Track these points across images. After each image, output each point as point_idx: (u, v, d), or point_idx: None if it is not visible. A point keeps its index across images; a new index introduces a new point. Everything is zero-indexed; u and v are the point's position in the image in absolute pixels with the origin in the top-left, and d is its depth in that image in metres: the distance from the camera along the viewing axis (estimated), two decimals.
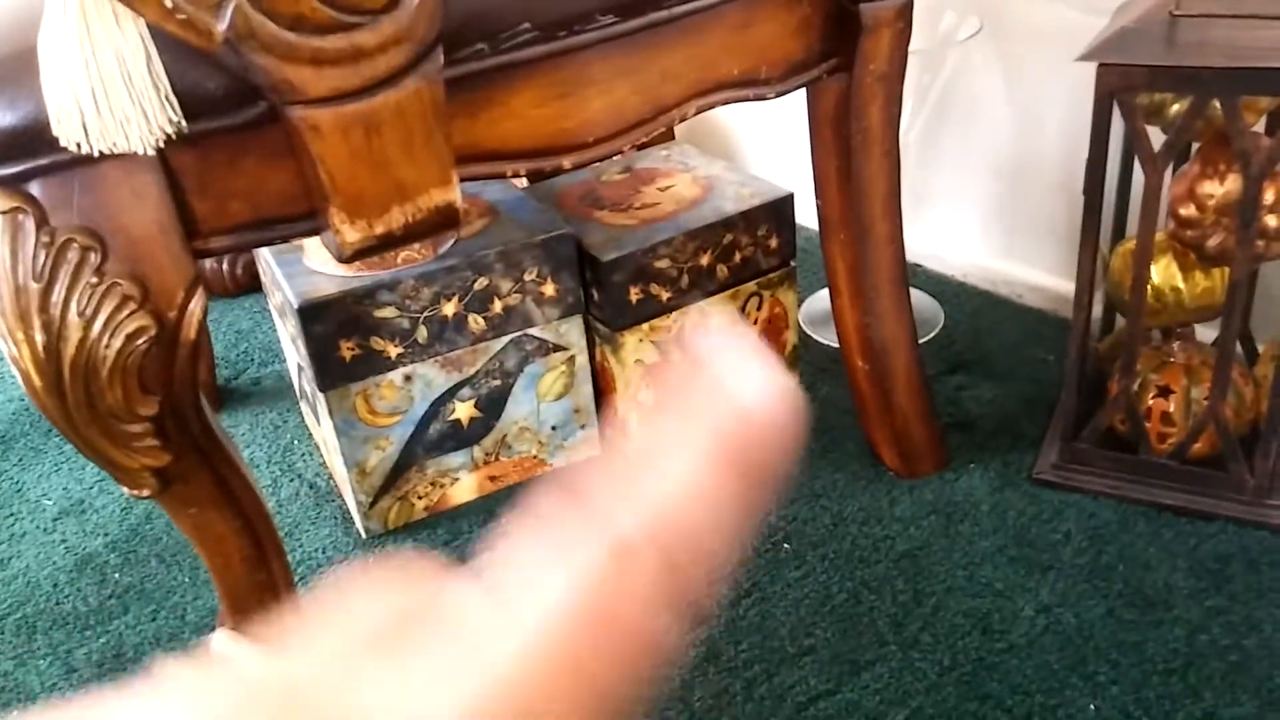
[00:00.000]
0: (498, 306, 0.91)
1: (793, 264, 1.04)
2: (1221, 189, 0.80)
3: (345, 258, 0.57)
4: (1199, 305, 0.86)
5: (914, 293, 1.18)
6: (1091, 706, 0.72)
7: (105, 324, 0.54)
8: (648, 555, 0.16)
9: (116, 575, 0.93)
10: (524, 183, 1.20)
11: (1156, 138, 0.78)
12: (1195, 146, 0.84)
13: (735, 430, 0.17)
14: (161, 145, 0.51)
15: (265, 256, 0.94)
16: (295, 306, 0.84)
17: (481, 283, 0.90)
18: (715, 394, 0.17)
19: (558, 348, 0.96)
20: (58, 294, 0.52)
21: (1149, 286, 0.85)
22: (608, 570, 0.16)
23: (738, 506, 0.17)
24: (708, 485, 0.17)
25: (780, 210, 1.00)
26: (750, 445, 0.17)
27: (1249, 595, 0.79)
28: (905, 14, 0.76)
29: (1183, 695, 0.72)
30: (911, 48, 0.81)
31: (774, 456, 0.17)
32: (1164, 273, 0.86)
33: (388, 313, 0.87)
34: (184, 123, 0.52)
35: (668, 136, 1.33)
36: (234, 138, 0.54)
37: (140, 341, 0.54)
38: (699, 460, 0.17)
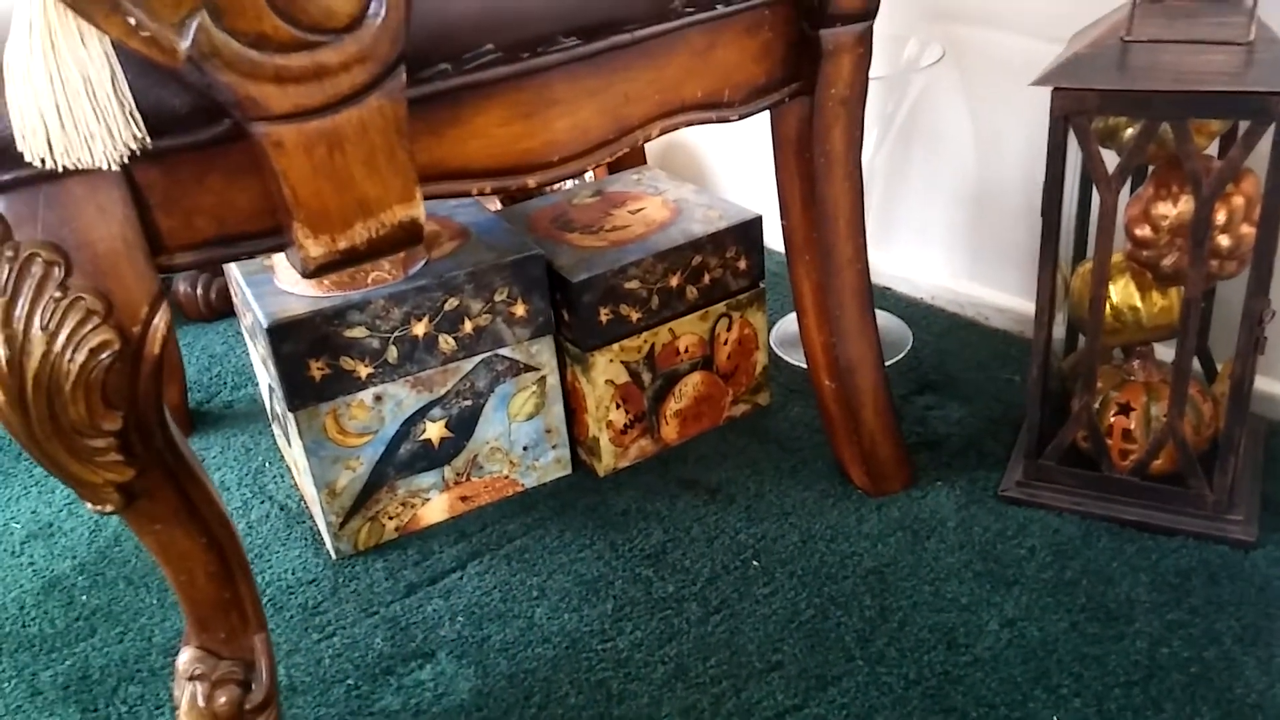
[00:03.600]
0: (468, 327, 0.92)
1: (762, 285, 1.05)
2: (1175, 210, 0.82)
3: (309, 273, 0.57)
4: (1157, 324, 0.88)
5: (883, 315, 1.20)
6: (1054, 718, 0.72)
7: (69, 338, 0.54)
8: None
9: (84, 598, 0.92)
10: (496, 205, 1.21)
11: (1112, 160, 0.80)
12: (1150, 169, 0.86)
13: None
14: (126, 161, 0.52)
15: (236, 277, 0.94)
16: (265, 326, 0.84)
17: (452, 303, 0.91)
18: None
19: (529, 368, 0.97)
20: (21, 308, 0.53)
21: (1108, 306, 0.87)
22: None
23: None
24: None
25: (748, 232, 1.02)
26: None
27: (1209, 609, 0.80)
28: (865, 39, 0.78)
29: (1144, 707, 0.73)
30: (875, 74, 0.83)
31: None
32: (1122, 292, 0.88)
33: (358, 332, 0.88)
34: (149, 139, 0.52)
35: (639, 160, 1.35)
36: (199, 154, 0.55)
37: (104, 356, 0.55)
38: None
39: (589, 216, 1.05)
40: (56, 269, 0.53)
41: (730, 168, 1.50)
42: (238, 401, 1.20)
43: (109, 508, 0.60)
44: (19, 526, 1.02)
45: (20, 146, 0.50)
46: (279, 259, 0.91)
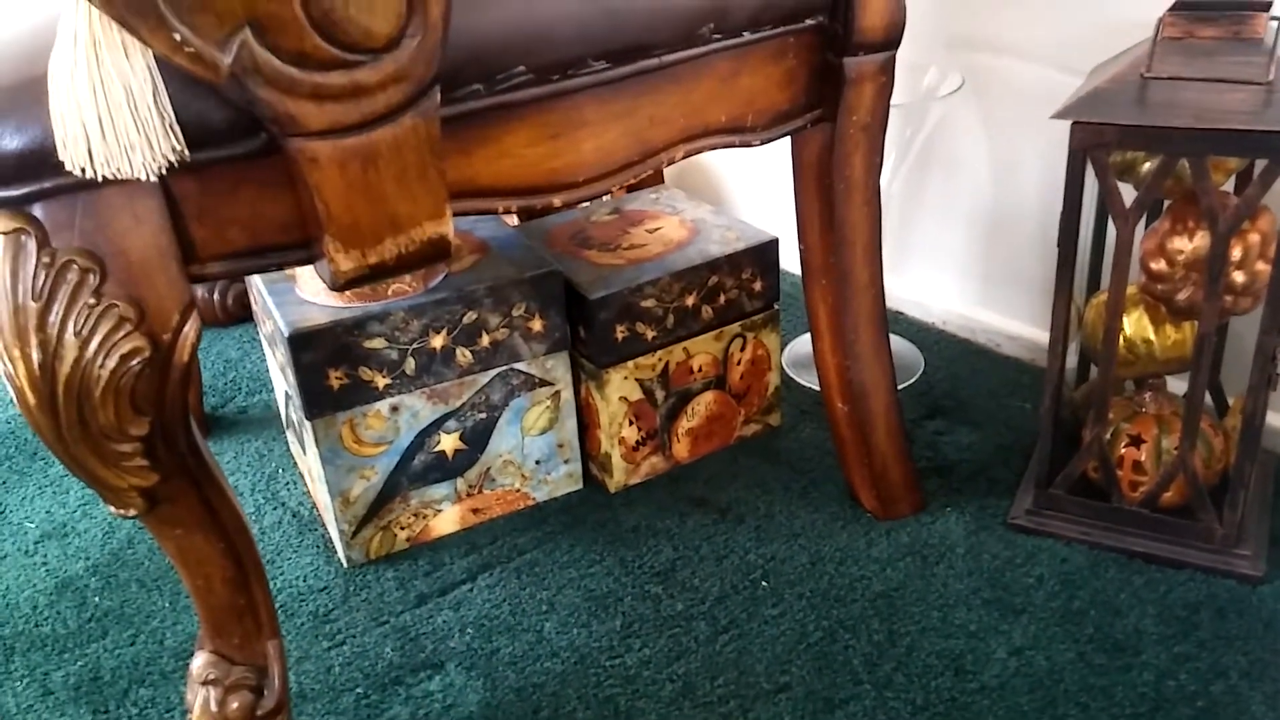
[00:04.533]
0: (485, 340, 0.93)
1: (776, 307, 1.06)
2: (1191, 245, 0.82)
3: (338, 286, 0.58)
4: (1170, 357, 0.88)
5: (895, 339, 1.20)
6: None
7: (101, 344, 0.55)
8: None
9: (96, 599, 0.93)
10: (515, 221, 1.22)
11: (1129, 194, 0.80)
12: (1166, 203, 0.87)
13: None
14: (164, 172, 0.53)
15: (257, 285, 0.95)
16: (286, 335, 0.85)
17: (470, 317, 0.91)
18: None
19: (543, 383, 0.98)
20: (55, 314, 0.54)
21: (1121, 337, 0.88)
22: None
23: None
24: None
25: (764, 254, 1.03)
26: None
27: (1216, 643, 0.80)
28: (888, 68, 0.79)
29: None
30: (895, 102, 0.84)
31: None
32: (1136, 325, 0.88)
33: (377, 343, 0.88)
34: (186, 151, 0.53)
35: (657, 180, 1.36)
36: (234, 167, 0.56)
37: (134, 362, 0.56)
38: None
39: (607, 234, 1.06)
40: (91, 276, 0.54)
41: (747, 189, 1.51)
42: (252, 407, 1.20)
43: (132, 512, 0.61)
44: (33, 526, 1.03)
45: (61, 155, 0.51)
46: (301, 268, 0.92)
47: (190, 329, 0.57)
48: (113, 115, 0.51)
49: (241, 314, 1.38)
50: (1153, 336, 0.88)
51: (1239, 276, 0.81)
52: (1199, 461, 0.87)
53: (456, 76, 0.59)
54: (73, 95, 0.51)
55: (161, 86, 0.52)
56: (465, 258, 0.97)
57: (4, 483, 1.10)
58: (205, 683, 0.70)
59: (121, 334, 0.55)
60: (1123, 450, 0.90)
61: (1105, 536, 0.90)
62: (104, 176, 0.52)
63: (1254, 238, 0.80)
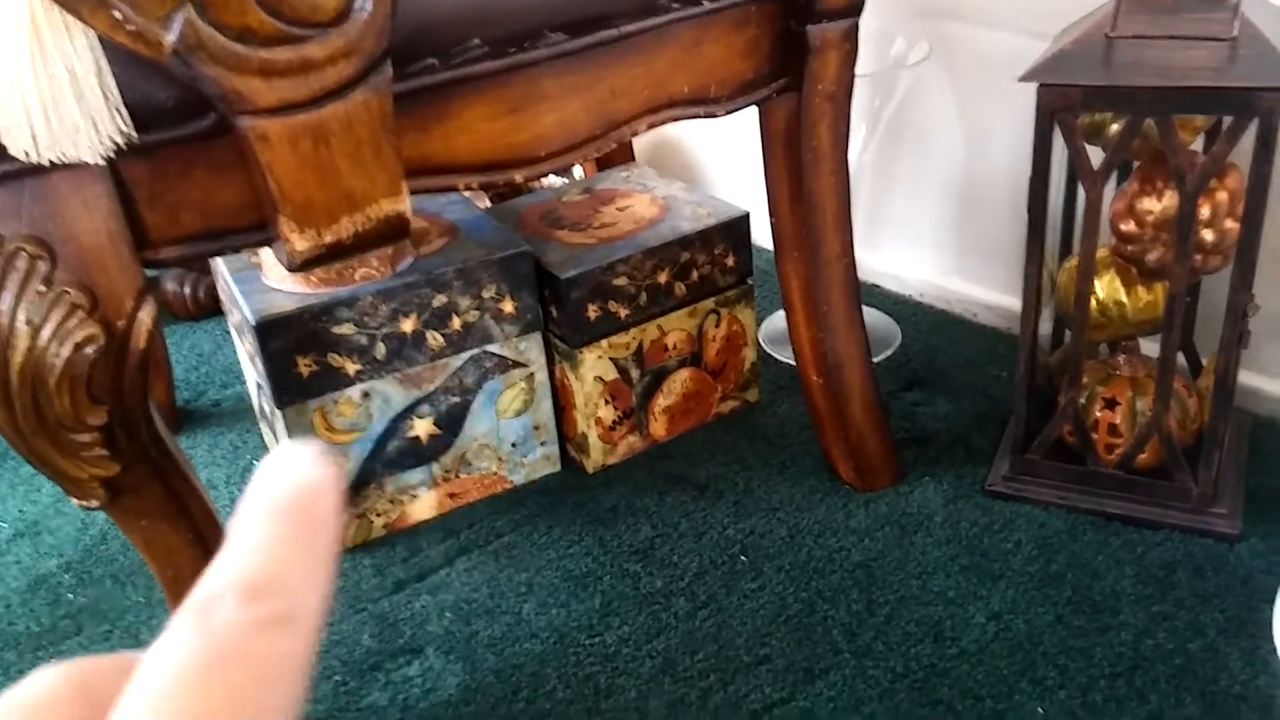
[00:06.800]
0: (456, 323, 0.92)
1: (750, 282, 1.05)
2: (1159, 205, 0.82)
3: (295, 267, 0.57)
4: (1142, 319, 0.88)
5: (871, 312, 1.20)
6: (1040, 710, 0.73)
7: (54, 332, 0.54)
8: (228, 599, 0.17)
9: (70, 596, 0.92)
10: (485, 203, 1.21)
11: (1097, 156, 0.80)
12: (1135, 164, 0.87)
13: (290, 492, 0.18)
14: (112, 155, 0.52)
15: (224, 274, 0.94)
16: (253, 323, 0.84)
17: (440, 300, 0.91)
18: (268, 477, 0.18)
19: (517, 364, 0.97)
20: (6, 302, 0.53)
21: (1093, 300, 0.88)
22: (190, 626, 0.17)
23: (308, 545, 0.18)
24: (272, 534, 0.18)
25: (736, 229, 1.02)
26: (305, 497, 0.18)
27: (1194, 601, 0.80)
28: (851, 35, 0.78)
29: (1129, 698, 0.73)
30: (862, 71, 0.83)
31: (328, 504, 0.18)
32: (1108, 287, 0.88)
33: (346, 329, 0.87)
34: (134, 133, 0.52)
35: (628, 158, 1.35)
36: (185, 148, 0.55)
37: (89, 350, 0.55)
38: (262, 521, 0.18)
39: (578, 214, 1.06)
40: (41, 263, 0.53)
41: (718, 165, 1.51)
42: (225, 400, 1.19)
43: (94, 503, 0.60)
44: (5, 525, 1.02)
45: (4, 140, 0.50)
46: (267, 255, 0.91)
47: (145, 315, 0.56)
48: (56, 98, 0.50)
49: (212, 307, 1.37)
50: (1124, 298, 0.88)
51: (1208, 235, 0.81)
52: (1173, 422, 0.87)
53: (410, 50, 0.58)
54: (15, 79, 0.49)
55: (106, 67, 0.51)
56: (434, 240, 0.96)
57: None
58: None
59: (74, 321, 0.54)
60: (1098, 413, 0.91)
61: (1082, 500, 0.90)
62: (50, 161, 0.51)
63: (1222, 196, 0.80)
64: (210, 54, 0.50)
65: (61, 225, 0.53)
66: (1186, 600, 0.81)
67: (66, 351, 0.54)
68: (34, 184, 0.53)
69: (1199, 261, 0.82)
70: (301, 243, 0.56)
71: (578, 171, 1.33)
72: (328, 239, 0.57)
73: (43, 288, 0.53)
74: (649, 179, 1.13)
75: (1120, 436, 0.90)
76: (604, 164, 1.30)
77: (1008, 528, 0.89)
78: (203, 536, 0.67)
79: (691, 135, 1.52)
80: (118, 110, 0.52)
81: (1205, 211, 0.80)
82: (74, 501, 0.60)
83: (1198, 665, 0.75)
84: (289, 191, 0.54)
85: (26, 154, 0.50)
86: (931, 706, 0.74)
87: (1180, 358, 0.93)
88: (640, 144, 1.51)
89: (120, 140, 0.52)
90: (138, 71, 0.52)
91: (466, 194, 1.09)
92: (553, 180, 1.33)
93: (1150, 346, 0.96)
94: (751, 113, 0.82)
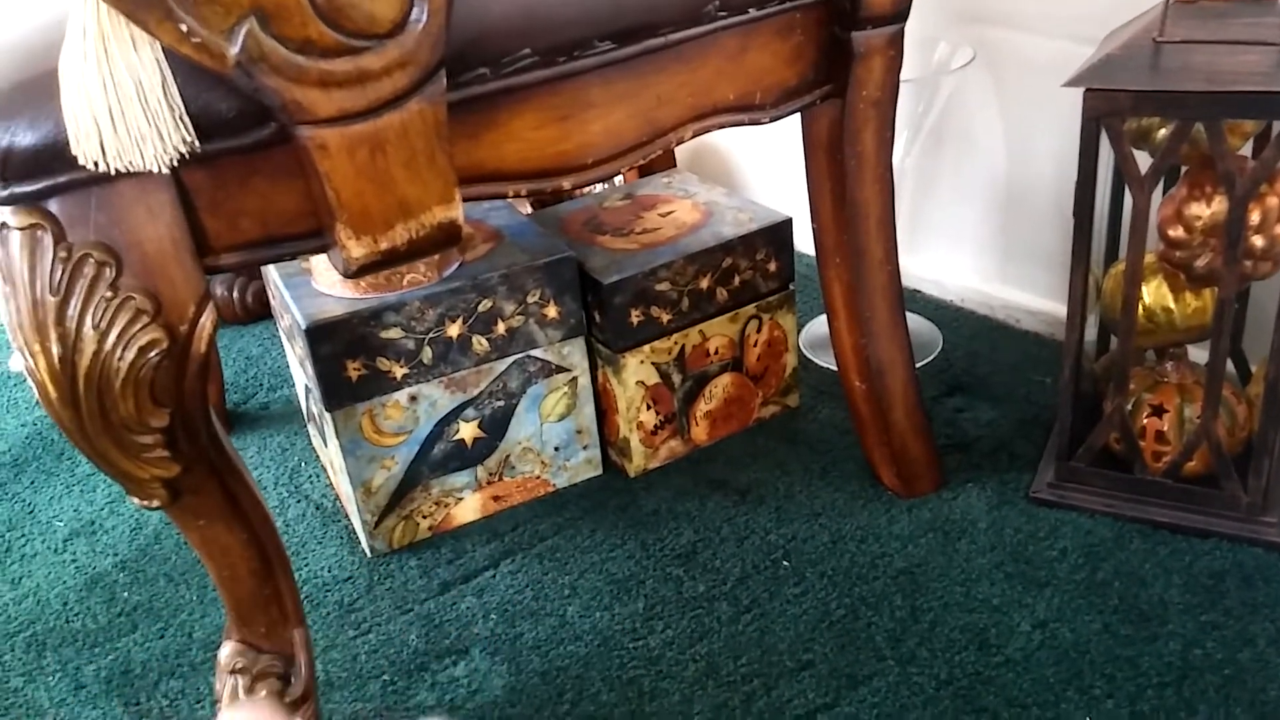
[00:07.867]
0: (501, 328, 0.93)
1: (791, 287, 1.05)
2: (1208, 211, 0.81)
3: (351, 273, 0.59)
4: (1190, 325, 0.88)
5: (913, 317, 1.20)
6: (1087, 719, 0.72)
7: (119, 337, 0.55)
8: None
9: (125, 594, 0.94)
10: (528, 208, 1.23)
11: (1145, 161, 0.80)
12: (1183, 169, 0.86)
13: None
14: (175, 164, 0.54)
15: (274, 279, 0.96)
16: (303, 327, 0.86)
17: (485, 304, 0.92)
18: None
19: (560, 369, 0.98)
20: (73, 308, 0.54)
21: (1141, 307, 0.87)
22: None
23: None
24: None
25: (778, 235, 1.02)
26: None
27: (1243, 610, 0.79)
28: (896, 42, 0.78)
29: (1177, 709, 0.72)
30: (906, 77, 0.83)
31: None
32: (1155, 293, 0.87)
33: (393, 333, 0.89)
34: (197, 142, 0.54)
35: (669, 164, 1.36)
36: (245, 157, 0.56)
37: (152, 354, 0.56)
38: None
39: (620, 219, 1.06)
40: (108, 269, 0.55)
41: (760, 170, 1.51)
42: (274, 403, 1.21)
43: (155, 503, 0.62)
44: (62, 524, 1.04)
45: (74, 150, 0.52)
46: (317, 261, 0.92)
47: (207, 320, 0.58)
48: (123, 108, 0.52)
49: (261, 311, 1.39)
50: (1172, 305, 0.87)
51: (1258, 241, 0.80)
52: (1222, 430, 0.87)
53: (462, 60, 0.59)
54: (83, 90, 0.51)
55: (170, 78, 0.52)
56: (479, 246, 0.98)
57: (32, 483, 1.11)
58: (233, 671, 0.71)
59: (139, 326, 0.56)
60: (1145, 421, 0.90)
61: (1128, 508, 0.89)
62: (117, 170, 0.52)
63: (1272, 201, 0.79)
64: (272, 66, 0.51)
65: (127, 232, 0.55)
66: (1235, 610, 0.80)
67: (131, 356, 0.55)
68: (100, 192, 0.54)
69: (1248, 267, 0.82)
70: (358, 249, 0.57)
71: (619, 177, 1.34)
72: (383, 246, 0.58)
73: (109, 294, 0.55)
74: (690, 184, 1.13)
75: (1168, 444, 0.89)
76: (646, 170, 1.31)
77: (1053, 535, 0.89)
78: (257, 537, 0.68)
79: (732, 140, 1.52)
80: (182, 120, 0.53)
81: (1255, 217, 0.79)
82: (135, 502, 0.62)
83: (1247, 675, 0.74)
84: (346, 199, 0.56)
85: (95, 163, 0.52)
86: (976, 715, 0.74)
87: (1229, 365, 0.92)
88: (681, 149, 1.52)
89: (184, 149, 0.53)
90: (201, 82, 0.54)
91: (510, 200, 1.10)
92: (594, 186, 1.34)
93: (1198, 353, 0.95)
94: (792, 118, 0.83)
